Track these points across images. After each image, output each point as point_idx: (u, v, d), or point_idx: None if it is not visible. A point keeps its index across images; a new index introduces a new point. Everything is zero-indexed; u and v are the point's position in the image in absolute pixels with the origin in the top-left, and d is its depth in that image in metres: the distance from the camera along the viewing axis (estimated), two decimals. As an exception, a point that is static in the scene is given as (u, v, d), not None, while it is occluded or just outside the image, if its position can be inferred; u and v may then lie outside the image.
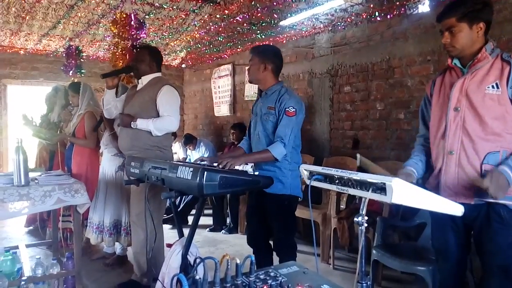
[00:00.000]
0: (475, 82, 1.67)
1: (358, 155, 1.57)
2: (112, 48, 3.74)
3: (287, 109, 2.33)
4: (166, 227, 4.12)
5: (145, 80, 2.89)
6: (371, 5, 3.62)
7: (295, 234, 2.59)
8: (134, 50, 3.12)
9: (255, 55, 2.45)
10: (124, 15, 3.50)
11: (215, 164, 2.15)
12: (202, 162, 2.34)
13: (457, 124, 1.70)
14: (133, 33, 3.42)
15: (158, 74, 2.95)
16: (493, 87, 1.63)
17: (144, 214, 2.73)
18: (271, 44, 4.94)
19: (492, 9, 1.71)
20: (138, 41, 3.52)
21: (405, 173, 1.78)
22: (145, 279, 2.87)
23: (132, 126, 2.73)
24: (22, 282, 2.29)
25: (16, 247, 2.74)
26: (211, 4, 4.40)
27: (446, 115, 1.74)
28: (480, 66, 1.67)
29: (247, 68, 2.56)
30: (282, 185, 2.31)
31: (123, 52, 3.44)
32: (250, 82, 2.58)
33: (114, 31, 3.57)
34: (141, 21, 3.56)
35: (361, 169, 1.69)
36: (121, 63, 3.52)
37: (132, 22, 3.44)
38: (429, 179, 1.86)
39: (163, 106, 2.77)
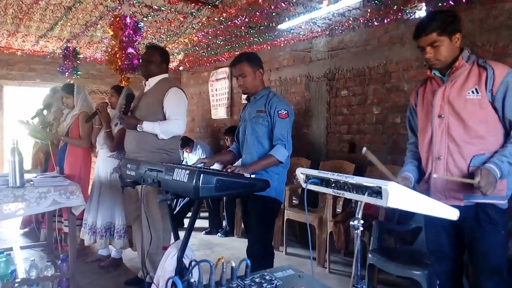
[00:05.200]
0: (456, 89, 1.75)
1: (364, 148, 1.59)
2: (109, 50, 3.74)
3: (279, 112, 2.36)
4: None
5: (152, 81, 2.86)
6: (369, 10, 3.64)
7: (272, 242, 2.58)
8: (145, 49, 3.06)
9: (246, 65, 2.43)
10: (119, 17, 3.50)
11: (229, 170, 2.18)
12: (200, 165, 2.34)
13: (442, 130, 1.78)
14: (129, 35, 3.41)
15: (166, 75, 2.91)
16: (473, 92, 1.70)
17: (154, 215, 2.73)
18: (269, 47, 4.97)
19: (460, 19, 1.79)
20: (134, 43, 3.51)
21: (402, 177, 1.86)
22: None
23: (138, 129, 2.70)
24: (16, 285, 2.27)
25: (10, 249, 2.72)
26: (210, 7, 4.40)
27: (431, 122, 1.82)
28: (459, 73, 1.75)
29: (238, 81, 2.51)
30: (268, 188, 2.29)
31: (118, 53, 3.43)
32: (246, 93, 2.55)
33: (110, 33, 3.58)
34: (137, 23, 3.55)
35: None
36: (116, 65, 3.53)
37: (128, 24, 3.43)
38: (419, 184, 1.92)
39: (169, 109, 2.73)
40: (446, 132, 1.76)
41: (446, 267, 1.90)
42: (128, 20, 3.48)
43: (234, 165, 2.38)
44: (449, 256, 1.88)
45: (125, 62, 3.44)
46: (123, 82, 3.73)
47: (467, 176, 1.69)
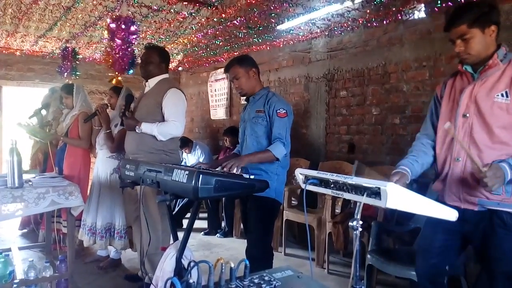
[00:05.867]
0: (485, 89, 1.65)
1: (356, 162, 1.55)
2: (106, 49, 3.74)
3: (278, 111, 2.36)
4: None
5: (152, 82, 2.86)
6: (368, 11, 3.64)
7: (271, 243, 2.59)
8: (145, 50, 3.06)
9: (238, 67, 2.47)
10: (115, 18, 3.49)
11: (220, 168, 2.17)
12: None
13: (465, 131, 1.69)
14: (124, 35, 3.40)
15: (166, 76, 2.91)
16: (502, 95, 1.60)
17: (153, 216, 2.72)
18: (268, 48, 4.97)
19: (499, 11, 1.68)
20: (127, 44, 3.51)
21: (399, 173, 1.72)
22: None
23: (136, 130, 2.70)
24: (14, 285, 2.26)
25: (9, 250, 2.72)
26: (209, 7, 4.40)
27: (455, 121, 1.72)
28: (491, 73, 1.64)
29: (233, 85, 2.56)
30: (268, 188, 2.29)
31: (111, 53, 3.43)
32: (244, 95, 2.57)
33: (105, 34, 3.59)
34: (134, 23, 3.54)
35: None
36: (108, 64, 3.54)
37: (122, 24, 3.42)
38: (435, 183, 1.85)
39: (168, 110, 2.72)
40: (469, 134, 1.66)
41: (429, 268, 1.84)
42: (122, 20, 3.47)
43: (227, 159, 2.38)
44: (435, 257, 1.82)
45: (117, 62, 3.44)
46: (114, 81, 3.73)
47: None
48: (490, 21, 1.62)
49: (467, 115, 1.68)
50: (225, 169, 2.13)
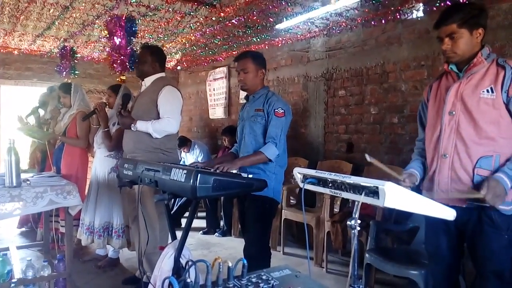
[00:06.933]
0: (471, 86, 1.69)
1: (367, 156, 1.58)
2: (107, 50, 3.73)
3: (276, 110, 2.37)
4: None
5: (148, 81, 2.87)
6: (366, 10, 3.64)
7: (269, 242, 2.59)
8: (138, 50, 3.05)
9: (250, 62, 2.46)
10: (113, 18, 3.48)
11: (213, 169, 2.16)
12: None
13: (451, 127, 1.72)
14: (121, 35, 3.40)
15: (162, 74, 2.91)
16: (488, 91, 1.64)
17: (150, 215, 2.72)
18: (266, 47, 4.97)
19: (487, 14, 1.73)
20: (125, 43, 3.50)
21: (408, 173, 1.82)
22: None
23: (132, 128, 2.70)
24: (12, 285, 2.26)
25: (7, 249, 2.71)
26: (207, 6, 4.39)
27: (441, 118, 1.75)
28: (475, 70, 1.68)
29: (239, 76, 2.53)
30: (266, 187, 2.30)
31: (111, 53, 3.43)
32: (245, 90, 2.56)
33: (105, 33, 3.58)
34: (133, 22, 3.53)
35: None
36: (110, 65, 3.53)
37: (121, 24, 3.41)
38: (423, 182, 1.87)
39: (162, 107, 2.73)
40: (456, 130, 1.70)
41: (443, 270, 1.87)
42: (121, 20, 3.46)
43: (219, 161, 2.38)
44: (447, 259, 1.85)
45: (116, 63, 3.43)
46: (120, 79, 3.73)
47: (471, 179, 1.64)
48: (479, 24, 1.67)
49: (453, 112, 1.72)
50: (217, 170, 2.12)
